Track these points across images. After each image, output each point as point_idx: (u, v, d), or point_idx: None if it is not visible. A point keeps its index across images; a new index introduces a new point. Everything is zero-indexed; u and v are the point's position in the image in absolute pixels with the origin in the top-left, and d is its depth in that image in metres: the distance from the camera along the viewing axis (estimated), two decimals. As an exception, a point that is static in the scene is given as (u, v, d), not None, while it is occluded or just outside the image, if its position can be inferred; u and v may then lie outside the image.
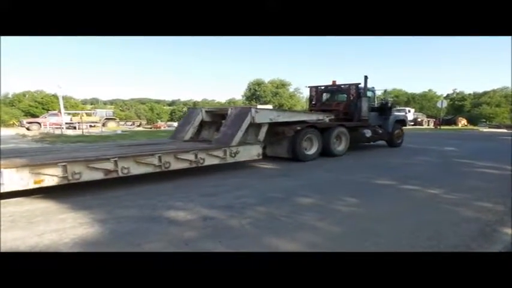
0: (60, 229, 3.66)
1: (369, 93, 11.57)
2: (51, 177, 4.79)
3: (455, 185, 6.01)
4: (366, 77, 10.92)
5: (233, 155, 6.96)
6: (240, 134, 7.16)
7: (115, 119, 37.05)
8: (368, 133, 11.00)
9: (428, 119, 40.14)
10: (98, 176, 5.23)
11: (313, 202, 4.84)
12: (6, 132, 24.03)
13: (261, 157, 7.56)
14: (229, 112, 7.77)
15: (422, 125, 37.35)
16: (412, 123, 36.59)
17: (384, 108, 12.11)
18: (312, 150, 9.02)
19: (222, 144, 6.99)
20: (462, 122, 41.40)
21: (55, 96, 39.80)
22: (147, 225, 3.83)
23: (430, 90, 61.34)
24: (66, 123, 27.39)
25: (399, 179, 6.54)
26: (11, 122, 36.16)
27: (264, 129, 7.82)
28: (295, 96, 58.16)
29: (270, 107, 35.91)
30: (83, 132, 23.03)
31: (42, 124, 28.56)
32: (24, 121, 30.71)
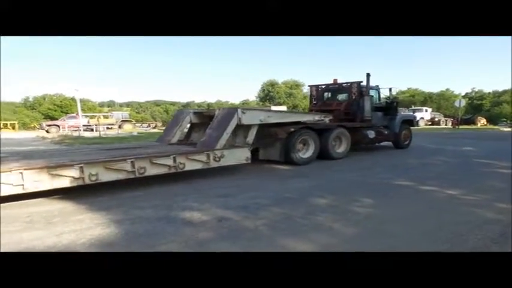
0: (77, 229, 3.72)
1: (373, 92, 11.05)
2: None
3: (475, 186, 5.86)
4: (368, 75, 10.36)
5: (217, 159, 6.47)
6: (225, 136, 6.70)
7: (131, 121, 37.65)
8: (371, 134, 10.37)
9: (446, 119, 39.25)
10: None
11: (328, 203, 4.79)
12: (28, 134, 24.70)
13: (249, 161, 7.04)
14: (216, 113, 7.35)
15: (439, 125, 36.59)
16: (430, 123, 35.90)
17: (389, 108, 11.49)
18: (308, 153, 8.52)
19: (206, 147, 6.54)
20: (481, 121, 40.31)
21: (73, 99, 40.72)
22: (163, 226, 3.85)
23: (447, 89, 59.92)
24: (83, 125, 27.94)
25: (416, 179, 6.41)
26: (32, 125, 37.15)
27: (253, 131, 7.32)
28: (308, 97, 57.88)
29: (284, 108, 35.80)
30: (100, 134, 23.44)
31: (61, 127, 29.24)
32: (44, 124, 31.52)
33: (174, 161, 5.89)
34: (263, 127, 7.66)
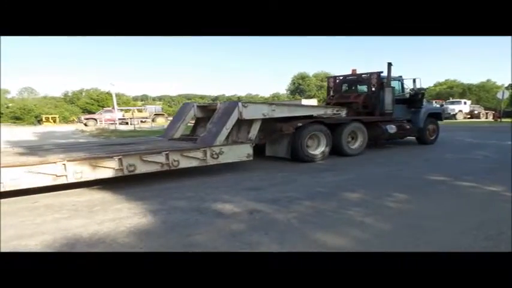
0: (116, 218, 3.92)
1: (395, 83, 10.17)
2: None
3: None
4: (389, 64, 9.46)
5: (215, 156, 6.13)
6: (224, 132, 6.39)
7: (163, 114, 38.56)
8: (392, 129, 9.44)
9: (487, 112, 37.20)
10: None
11: (360, 197, 4.73)
12: (68, 128, 26.00)
13: (251, 158, 6.65)
14: (218, 107, 7.03)
15: (479, 118, 34.80)
16: (468, 116, 34.22)
17: (413, 100, 10.50)
18: (319, 150, 7.95)
19: (205, 143, 6.26)
20: (526, 114, 37.87)
21: (109, 93, 42.34)
22: (196, 216, 3.97)
23: (488, 80, 56.85)
24: (119, 119, 29.01)
25: (454, 175, 6.17)
26: (71, 119, 39.02)
27: (255, 126, 6.94)
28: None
29: (314, 101, 35.32)
30: (134, 127, 24.24)
31: (98, 120, 30.51)
32: (82, 117, 33.01)
33: (167, 158, 5.61)
34: (269, 122, 7.33)
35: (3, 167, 4.40)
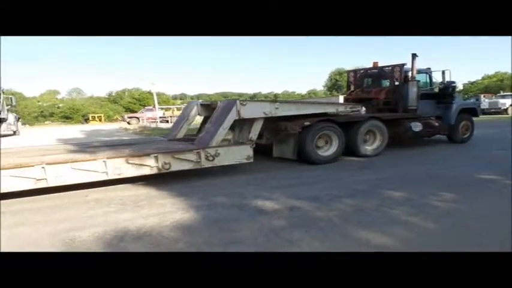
0: (161, 213, 4.07)
1: (421, 76, 9.33)
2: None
3: None
4: (413, 55, 8.61)
5: (210, 158, 5.73)
6: (221, 132, 5.99)
7: (201, 112, 39.33)
8: (417, 126, 8.67)
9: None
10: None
11: (403, 196, 4.57)
12: (112, 126, 27.33)
13: (251, 160, 6.20)
14: (218, 105, 6.63)
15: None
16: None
17: (443, 95, 9.46)
18: (330, 150, 7.27)
19: (200, 144, 5.89)
20: None
21: (150, 93, 43.87)
22: (237, 212, 4.04)
23: (543, 71, 52.55)
24: (159, 117, 29.98)
25: (506, 173, 5.78)
26: (115, 117, 40.97)
27: (257, 126, 6.43)
28: (382, 85, 54.85)
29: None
30: (174, 125, 24.90)
31: (140, 118, 31.75)
32: (126, 116, 34.49)
33: (156, 160, 5.32)
34: (272, 121, 6.83)
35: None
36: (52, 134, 20.47)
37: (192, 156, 5.65)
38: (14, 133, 18.73)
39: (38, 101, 50.03)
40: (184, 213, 4.06)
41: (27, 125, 35.88)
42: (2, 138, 13.73)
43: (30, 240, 3.38)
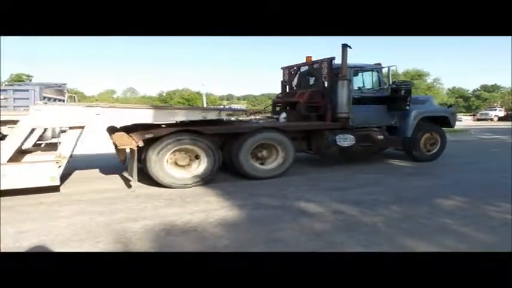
0: (206, 210, 4.23)
1: (365, 76, 7.50)
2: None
3: None
4: (344, 46, 6.69)
5: None
6: (7, 149, 4.56)
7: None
8: (345, 140, 6.71)
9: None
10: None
11: (454, 204, 4.36)
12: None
13: (57, 182, 4.71)
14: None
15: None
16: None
17: (395, 98, 7.20)
18: (191, 173, 5.45)
19: None
20: None
21: (198, 93, 45.28)
22: (279, 213, 4.09)
23: None
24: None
25: None
26: (165, 117, 42.77)
27: (70, 138, 5.01)
28: (434, 88, 51.92)
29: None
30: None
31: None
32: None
33: None
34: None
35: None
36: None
37: None
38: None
39: (96, 100, 53.65)
40: (228, 211, 4.18)
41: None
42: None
43: (85, 228, 3.63)
